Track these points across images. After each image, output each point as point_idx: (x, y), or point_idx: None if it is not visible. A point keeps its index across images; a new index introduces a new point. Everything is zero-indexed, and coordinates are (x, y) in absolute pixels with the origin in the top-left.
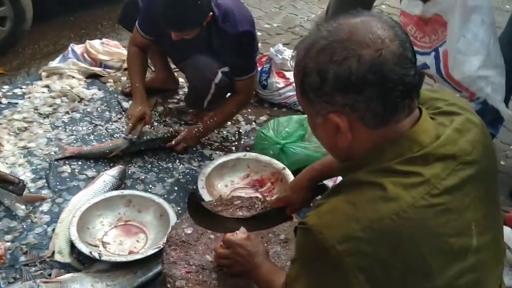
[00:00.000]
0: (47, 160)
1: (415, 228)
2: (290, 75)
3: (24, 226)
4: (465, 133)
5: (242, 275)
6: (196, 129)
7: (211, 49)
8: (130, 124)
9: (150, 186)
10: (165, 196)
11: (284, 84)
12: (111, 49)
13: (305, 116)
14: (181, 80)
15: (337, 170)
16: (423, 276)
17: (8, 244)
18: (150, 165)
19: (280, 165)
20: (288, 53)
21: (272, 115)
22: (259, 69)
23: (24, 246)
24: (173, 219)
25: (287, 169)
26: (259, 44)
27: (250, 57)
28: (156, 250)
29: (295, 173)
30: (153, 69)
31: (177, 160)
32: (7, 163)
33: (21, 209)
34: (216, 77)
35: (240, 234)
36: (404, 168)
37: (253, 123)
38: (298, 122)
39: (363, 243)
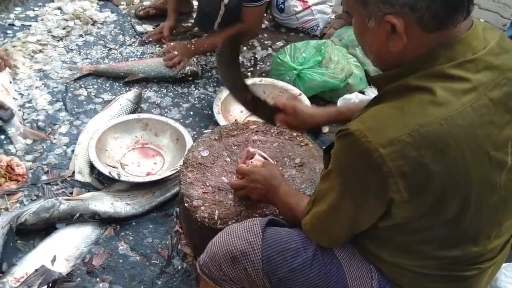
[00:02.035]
0: (64, 83)
1: (462, 134)
2: None
3: (44, 147)
4: (506, 50)
5: (262, 201)
6: (188, 43)
7: None
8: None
9: (166, 110)
10: (181, 120)
11: (302, 8)
12: None
13: (323, 41)
14: (195, 3)
15: (376, 80)
16: (461, 188)
17: (29, 163)
18: (165, 90)
19: (296, 90)
20: None
21: (288, 41)
22: None
23: (45, 166)
24: (189, 142)
25: (303, 95)
26: None
27: None
28: (173, 172)
29: (311, 99)
30: None
31: (192, 85)
32: (24, 86)
33: (20, 143)
34: None
35: (255, 162)
36: (455, 72)
37: (269, 48)
38: (315, 48)
39: (408, 147)
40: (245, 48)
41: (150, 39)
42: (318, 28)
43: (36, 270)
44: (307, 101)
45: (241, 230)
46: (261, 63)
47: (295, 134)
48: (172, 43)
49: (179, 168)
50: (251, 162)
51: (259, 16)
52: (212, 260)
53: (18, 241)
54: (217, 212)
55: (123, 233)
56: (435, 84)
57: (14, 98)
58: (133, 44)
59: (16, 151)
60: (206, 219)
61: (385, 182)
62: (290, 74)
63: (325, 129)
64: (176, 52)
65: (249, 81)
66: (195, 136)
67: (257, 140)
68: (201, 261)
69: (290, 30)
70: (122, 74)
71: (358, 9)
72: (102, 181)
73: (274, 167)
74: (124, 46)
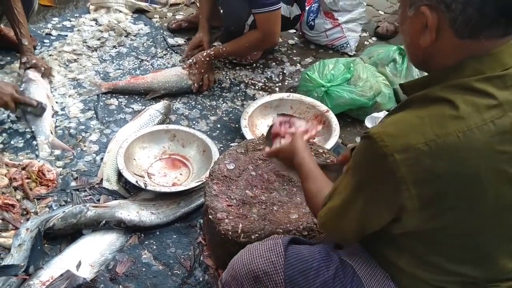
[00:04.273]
0: (86, 95)
1: (480, 149)
2: (339, 15)
3: (75, 154)
4: None
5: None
6: (206, 54)
7: None
8: (186, 49)
9: (194, 122)
10: (208, 132)
11: (332, 25)
12: None
13: (352, 59)
14: None
15: (405, 86)
16: (475, 203)
17: (60, 169)
18: (194, 102)
19: (323, 107)
20: None
21: (317, 57)
22: (306, 8)
23: (75, 172)
24: (215, 154)
25: (330, 111)
26: None
27: None
28: (199, 183)
29: (338, 116)
30: (198, 5)
31: (221, 99)
32: (58, 94)
33: (45, 152)
34: (249, 18)
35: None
36: (480, 86)
37: (298, 64)
38: (344, 65)
39: (423, 155)
40: (274, 63)
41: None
42: (348, 45)
43: (62, 275)
44: (334, 118)
45: (263, 250)
46: (289, 79)
47: (321, 151)
48: (193, 58)
49: (204, 180)
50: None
51: (270, 23)
52: (234, 279)
53: (46, 245)
54: (240, 225)
55: (147, 242)
56: (458, 97)
57: (52, 107)
58: (164, 56)
59: (49, 158)
60: (230, 232)
61: (397, 187)
62: (318, 91)
63: (351, 146)
64: (197, 66)
65: (277, 96)
66: (222, 148)
67: None
68: (223, 280)
69: (319, 47)
70: (142, 91)
71: None
72: (129, 190)
73: (299, 140)
74: (156, 58)
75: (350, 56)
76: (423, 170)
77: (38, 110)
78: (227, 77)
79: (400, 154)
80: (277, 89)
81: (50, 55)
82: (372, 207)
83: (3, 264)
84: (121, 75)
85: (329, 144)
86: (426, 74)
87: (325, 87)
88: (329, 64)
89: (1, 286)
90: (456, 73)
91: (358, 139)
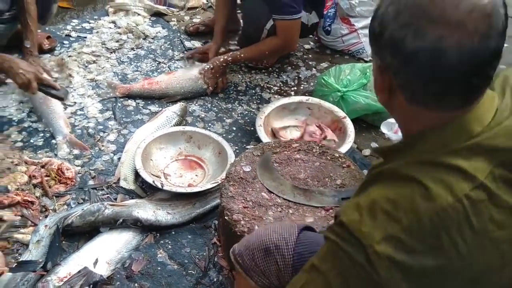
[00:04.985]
0: (102, 98)
1: (456, 226)
2: (355, 21)
3: (93, 153)
4: None
5: None
6: (223, 59)
7: None
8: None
9: (210, 124)
10: (224, 135)
11: (348, 31)
12: None
13: (369, 64)
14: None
15: (379, 151)
16: (463, 280)
17: (78, 168)
18: (210, 105)
19: (341, 113)
20: None
21: (333, 62)
22: (324, 12)
23: (93, 171)
24: (231, 157)
25: (347, 118)
26: None
27: None
28: (214, 185)
29: (354, 121)
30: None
31: (236, 102)
32: (77, 94)
33: (64, 151)
34: (268, 23)
35: None
36: (448, 161)
37: (314, 69)
38: (360, 70)
39: (402, 243)
40: (289, 67)
41: (192, 57)
42: (364, 51)
43: (79, 271)
44: (350, 124)
45: (278, 227)
46: (305, 83)
47: (336, 155)
48: (210, 63)
49: (220, 182)
50: None
51: (290, 30)
52: (246, 249)
53: (63, 242)
54: (256, 227)
55: (162, 241)
56: (427, 177)
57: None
58: (181, 59)
59: (57, 158)
60: (246, 234)
61: (380, 279)
62: (334, 96)
63: (366, 152)
64: (213, 71)
65: (295, 99)
66: (237, 151)
67: (299, 158)
68: (235, 250)
69: (335, 52)
70: (157, 96)
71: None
72: (145, 189)
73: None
74: (173, 61)
75: (366, 61)
76: (405, 259)
77: (62, 93)
78: (243, 80)
79: (380, 245)
80: (292, 93)
81: (70, 56)
82: None
83: (21, 259)
84: (139, 77)
85: (344, 149)
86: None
87: (341, 92)
88: (345, 69)
89: (19, 282)
90: (421, 144)
91: (373, 145)
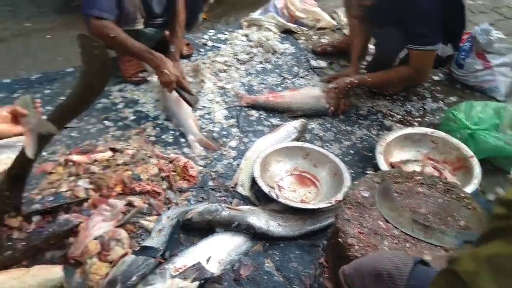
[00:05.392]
0: (228, 106)
1: None
2: (491, 58)
3: (215, 156)
4: None
5: None
6: (349, 81)
7: (401, 20)
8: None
9: (327, 144)
10: (340, 156)
11: (483, 67)
12: (308, 7)
13: (503, 105)
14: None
15: (505, 203)
16: None
17: (201, 168)
18: (329, 125)
19: (469, 152)
20: (495, 33)
21: (463, 97)
22: (460, 45)
23: (213, 173)
24: (346, 179)
25: (475, 157)
26: None
27: (427, 24)
28: (328, 205)
29: (481, 162)
30: (348, 33)
31: (356, 125)
32: (207, 99)
33: (198, 149)
34: (403, 51)
35: None
36: None
37: (441, 102)
38: (494, 110)
39: None
40: (415, 97)
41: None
42: (497, 89)
43: (193, 265)
44: (477, 165)
45: (393, 256)
46: (430, 115)
47: (462, 195)
48: (336, 83)
49: (334, 202)
50: None
51: (424, 62)
52: (357, 271)
53: (181, 235)
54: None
55: (271, 252)
56: None
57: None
58: (305, 77)
59: (194, 156)
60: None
61: None
62: (462, 132)
63: (490, 197)
64: (337, 91)
65: (420, 130)
66: (352, 174)
67: (421, 192)
68: (345, 271)
69: (466, 87)
70: (280, 109)
71: None
72: (259, 198)
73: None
74: (297, 77)
75: (498, 101)
76: None
77: (193, 99)
78: (365, 105)
79: None
80: (416, 123)
81: (204, 63)
82: None
83: (144, 244)
84: (264, 90)
85: (468, 190)
86: None
87: (471, 129)
88: (477, 106)
89: (140, 264)
90: None
91: (499, 190)
